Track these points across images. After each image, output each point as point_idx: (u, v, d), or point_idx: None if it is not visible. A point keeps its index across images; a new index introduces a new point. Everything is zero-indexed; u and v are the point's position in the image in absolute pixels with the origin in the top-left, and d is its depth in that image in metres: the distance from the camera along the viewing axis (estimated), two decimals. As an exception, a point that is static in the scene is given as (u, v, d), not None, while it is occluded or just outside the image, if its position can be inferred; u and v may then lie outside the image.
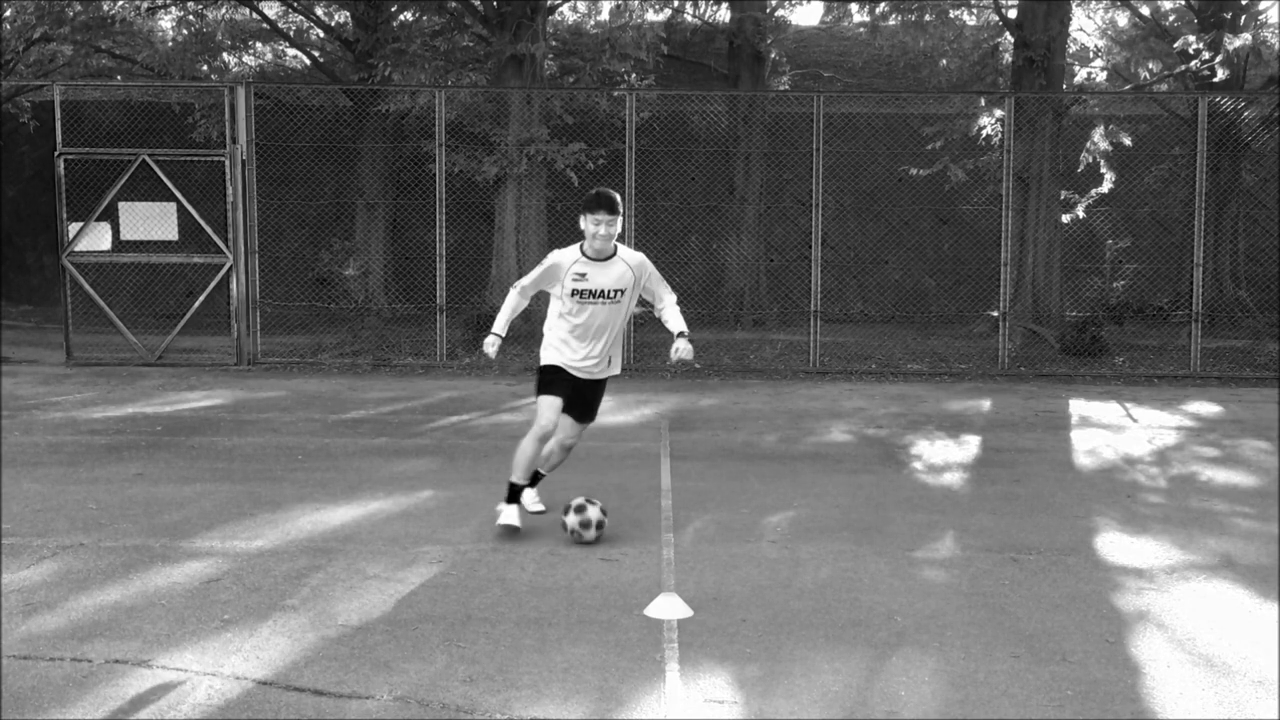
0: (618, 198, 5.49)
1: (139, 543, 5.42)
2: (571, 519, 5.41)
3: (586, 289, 5.49)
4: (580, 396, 5.71)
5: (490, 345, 5.64)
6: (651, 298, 5.75)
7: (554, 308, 5.67)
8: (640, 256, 5.65)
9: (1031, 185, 13.96)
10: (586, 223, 5.43)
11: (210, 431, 8.48)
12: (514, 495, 5.60)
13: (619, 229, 5.50)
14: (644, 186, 13.52)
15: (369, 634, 4.22)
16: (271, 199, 14.12)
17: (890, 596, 4.73)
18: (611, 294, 5.52)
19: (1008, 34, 15.97)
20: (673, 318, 5.70)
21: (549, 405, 5.53)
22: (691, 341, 5.61)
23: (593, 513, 5.40)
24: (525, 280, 5.64)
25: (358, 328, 15.36)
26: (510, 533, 5.56)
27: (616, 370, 5.79)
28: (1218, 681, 3.87)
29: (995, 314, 13.19)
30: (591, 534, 5.40)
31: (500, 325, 5.66)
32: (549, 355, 5.65)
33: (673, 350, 5.56)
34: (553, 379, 5.61)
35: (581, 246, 5.54)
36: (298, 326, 15.39)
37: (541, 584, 4.84)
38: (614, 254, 5.54)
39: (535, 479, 6.00)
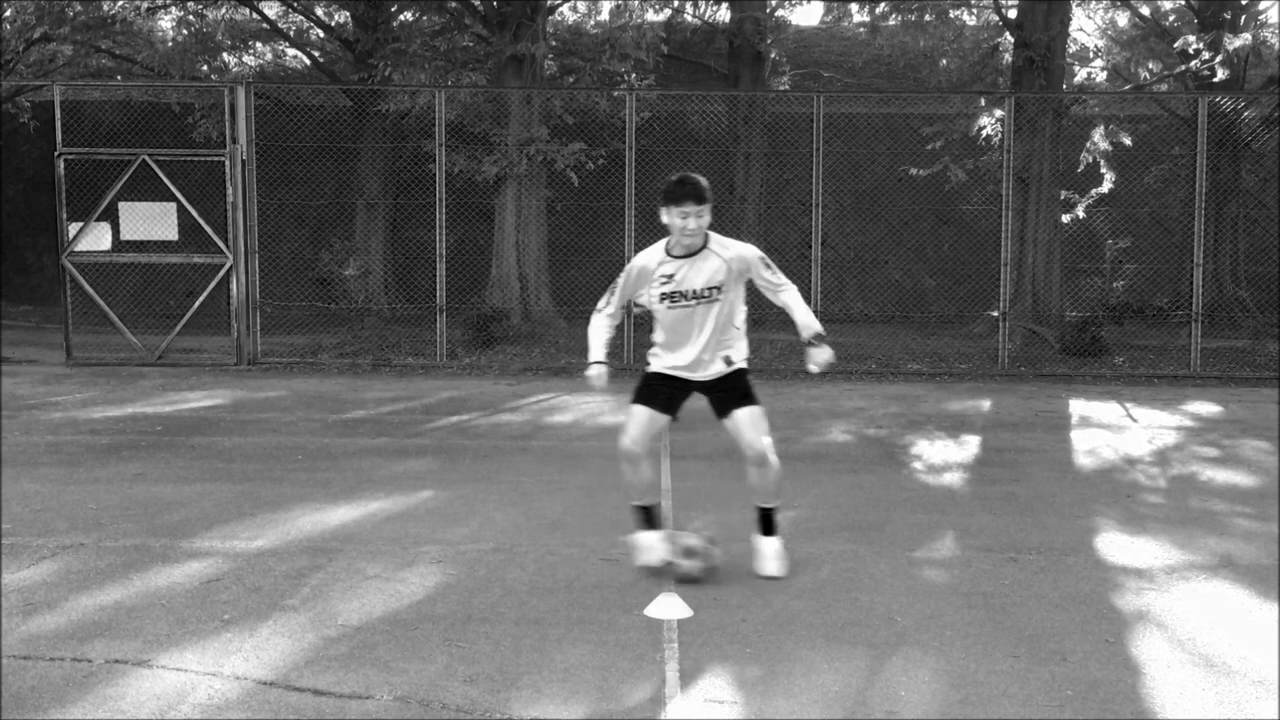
0: (705, 183, 4.69)
1: (139, 543, 5.42)
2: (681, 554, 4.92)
3: (676, 290, 4.77)
4: (710, 396, 5.01)
5: (597, 375, 4.91)
6: (766, 290, 4.95)
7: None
8: (740, 247, 4.86)
9: (1031, 185, 13.96)
10: (672, 216, 4.67)
11: (210, 431, 8.47)
12: (647, 520, 5.01)
13: (709, 218, 4.72)
14: (644, 186, 13.49)
15: (369, 634, 4.21)
16: (271, 199, 14.11)
17: (890, 596, 4.73)
18: (705, 293, 4.76)
19: (1008, 34, 15.97)
20: (800, 315, 4.93)
21: (634, 420, 4.92)
22: (826, 339, 4.94)
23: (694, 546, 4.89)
24: (611, 300, 4.97)
25: (358, 328, 15.36)
26: (653, 570, 4.94)
27: (740, 364, 4.96)
28: (1218, 681, 3.87)
29: (995, 314, 13.19)
30: (686, 566, 4.87)
31: (598, 353, 4.93)
32: (652, 361, 5.04)
33: (809, 364, 4.88)
34: (645, 388, 4.99)
35: (667, 244, 4.79)
36: (298, 326, 15.38)
37: (541, 584, 4.84)
38: (704, 246, 4.77)
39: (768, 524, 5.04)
